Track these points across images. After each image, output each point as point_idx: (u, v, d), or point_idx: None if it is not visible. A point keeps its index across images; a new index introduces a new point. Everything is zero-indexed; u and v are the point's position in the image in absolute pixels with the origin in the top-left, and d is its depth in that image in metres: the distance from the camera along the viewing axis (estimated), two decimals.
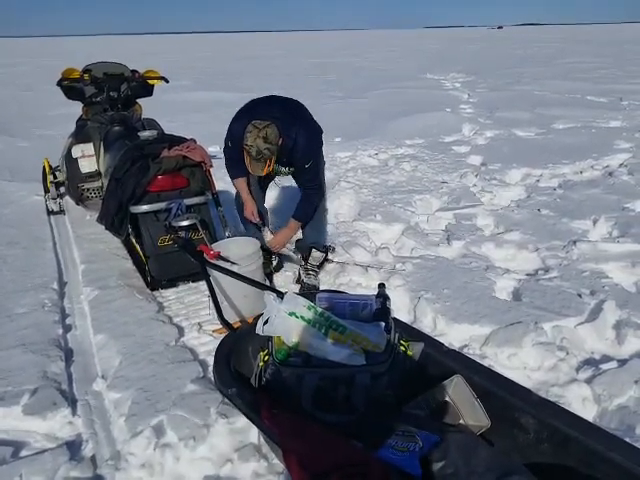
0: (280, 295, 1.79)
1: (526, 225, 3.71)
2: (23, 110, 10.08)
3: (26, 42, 68.27)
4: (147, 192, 2.86)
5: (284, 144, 2.50)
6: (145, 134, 3.17)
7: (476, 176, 4.84)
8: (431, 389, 1.70)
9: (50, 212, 4.32)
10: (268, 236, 3.10)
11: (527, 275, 3.07)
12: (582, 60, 18.56)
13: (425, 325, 2.58)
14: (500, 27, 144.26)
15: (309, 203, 2.83)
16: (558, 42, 35.42)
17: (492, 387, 1.62)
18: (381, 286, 1.89)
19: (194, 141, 3.10)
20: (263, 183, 3.03)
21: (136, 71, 4.03)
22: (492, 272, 3.04)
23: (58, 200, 4.30)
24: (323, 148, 2.81)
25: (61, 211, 4.32)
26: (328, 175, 5.13)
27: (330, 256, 3.25)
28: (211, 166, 3.05)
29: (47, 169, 4.35)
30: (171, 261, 2.86)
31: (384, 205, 4.18)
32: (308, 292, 2.43)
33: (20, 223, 4.07)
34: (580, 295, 2.73)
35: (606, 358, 2.29)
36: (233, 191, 3.09)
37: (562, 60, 19.04)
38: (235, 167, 2.77)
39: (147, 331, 2.53)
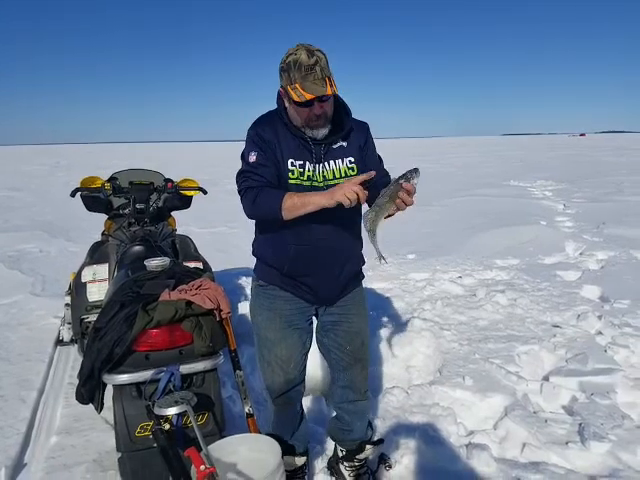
0: None
1: None
2: (83, 213, 9.99)
3: (104, 147, 75.26)
4: (132, 352, 1.98)
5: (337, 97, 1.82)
6: (153, 263, 2.36)
7: (599, 318, 3.59)
8: None
9: (59, 341, 3.62)
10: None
11: None
12: None
13: None
14: (582, 134, 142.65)
15: None
16: None
17: None
18: None
19: (211, 278, 2.26)
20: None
21: (170, 180, 3.39)
22: None
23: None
24: None
25: (72, 341, 3.57)
26: (399, 304, 4.14)
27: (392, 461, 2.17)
28: (229, 312, 2.15)
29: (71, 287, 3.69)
30: (153, 464, 1.89)
31: (475, 360, 3.05)
32: None
33: (18, 355, 3.39)
34: None
35: None
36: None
37: None
38: (270, 191, 1.73)
39: None
